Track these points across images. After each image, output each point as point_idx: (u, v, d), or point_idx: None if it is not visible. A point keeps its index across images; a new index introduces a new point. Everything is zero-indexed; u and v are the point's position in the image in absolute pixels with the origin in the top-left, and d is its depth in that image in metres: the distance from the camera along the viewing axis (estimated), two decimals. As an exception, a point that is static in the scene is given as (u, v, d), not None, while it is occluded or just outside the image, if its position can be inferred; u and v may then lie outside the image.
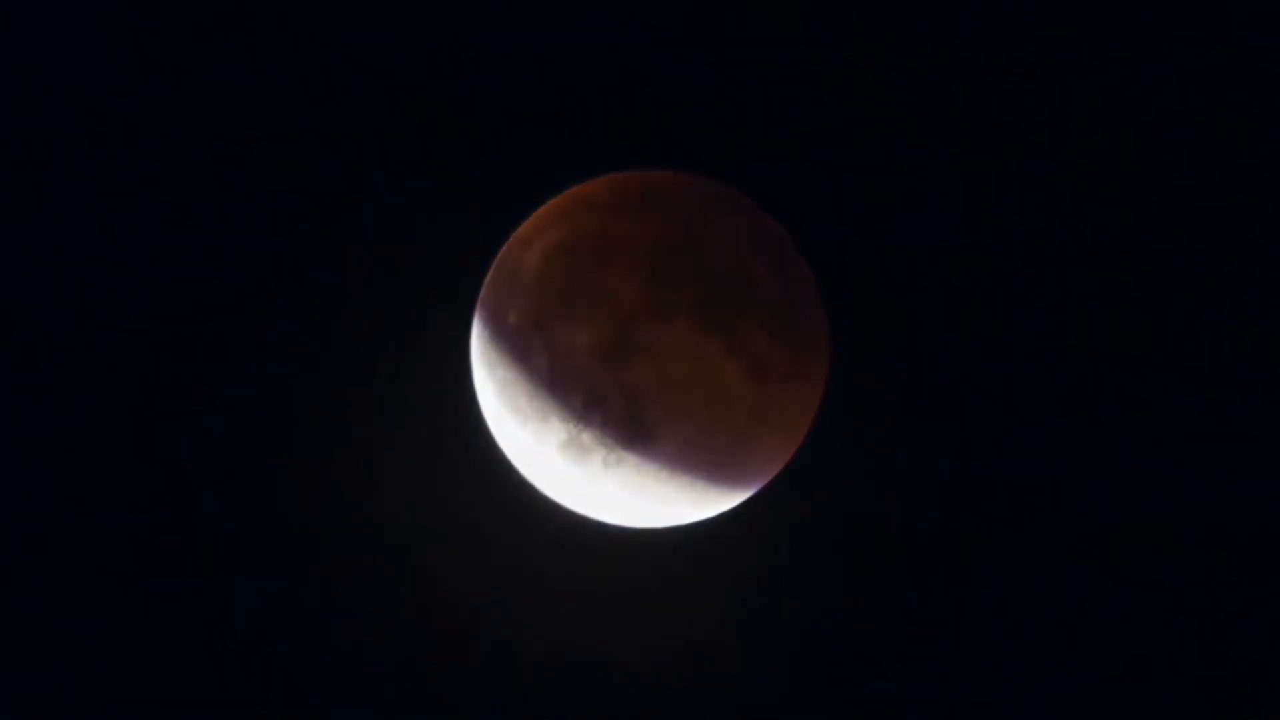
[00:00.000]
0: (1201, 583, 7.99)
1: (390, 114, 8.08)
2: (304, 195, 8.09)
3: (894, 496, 8.05)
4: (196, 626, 8.11)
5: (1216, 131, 7.95)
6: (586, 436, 6.58)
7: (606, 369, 6.44)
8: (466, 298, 7.19)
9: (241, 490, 8.10)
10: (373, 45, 8.08)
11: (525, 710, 8.11)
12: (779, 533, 7.97)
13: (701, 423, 6.52)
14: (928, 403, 8.04)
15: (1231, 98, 7.94)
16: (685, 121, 8.01)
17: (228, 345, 8.09)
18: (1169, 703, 8.00)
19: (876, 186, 8.04)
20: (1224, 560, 7.98)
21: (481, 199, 7.94)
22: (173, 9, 8.06)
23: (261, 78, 8.09)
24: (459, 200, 8.02)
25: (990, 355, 8.05)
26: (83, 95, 8.09)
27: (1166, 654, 8.01)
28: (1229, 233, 7.97)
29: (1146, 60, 7.96)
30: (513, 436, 6.91)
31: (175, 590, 8.11)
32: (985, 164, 8.04)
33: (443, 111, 8.07)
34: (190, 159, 8.09)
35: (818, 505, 7.98)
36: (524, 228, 7.09)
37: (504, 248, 7.12)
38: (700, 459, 6.65)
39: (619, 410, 6.47)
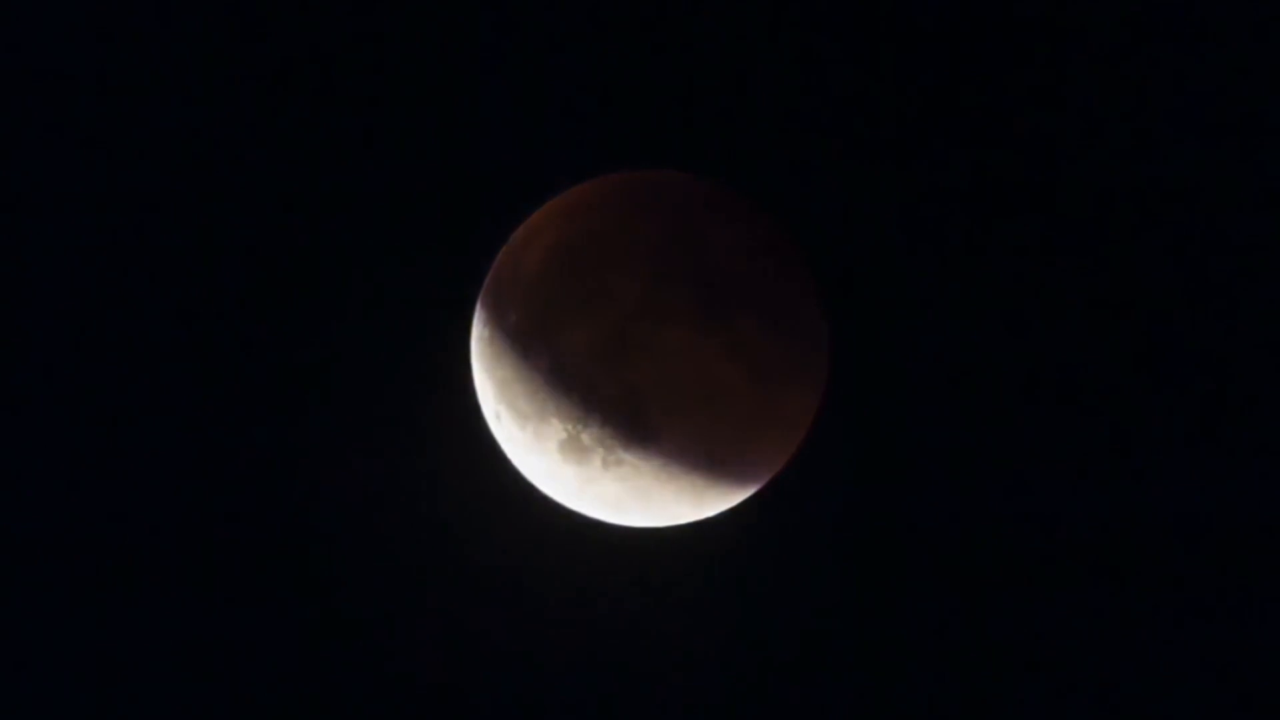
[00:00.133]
0: (1202, 585, 7.99)
1: (390, 114, 8.08)
2: (304, 195, 8.10)
3: (893, 496, 8.05)
4: (196, 626, 8.11)
5: (1216, 132, 7.95)
6: (586, 436, 6.57)
7: (606, 369, 6.44)
8: (466, 298, 7.19)
9: (241, 490, 8.10)
10: (373, 45, 8.08)
11: (525, 710, 8.11)
12: (779, 533, 7.97)
13: (701, 423, 6.52)
14: (927, 403, 8.04)
15: (1230, 99, 7.95)
16: (685, 121, 8.01)
17: (227, 346, 8.09)
18: (1170, 703, 8.00)
19: (876, 186, 8.04)
20: (1225, 563, 7.98)
21: (481, 199, 7.94)
22: (175, 8, 8.06)
23: (262, 78, 8.09)
24: (459, 200, 8.02)
25: (990, 355, 8.05)
26: (82, 93, 8.09)
27: (1166, 655, 8.01)
28: (1230, 233, 7.97)
29: (1146, 60, 7.96)
30: (513, 436, 6.91)
31: (175, 591, 8.11)
32: (986, 164, 8.04)
33: (443, 111, 8.08)
34: (190, 159, 8.09)
35: (817, 505, 7.98)
36: (524, 228, 7.09)
37: (504, 248, 7.12)
38: (700, 459, 6.64)
39: (619, 410, 6.47)
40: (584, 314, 6.48)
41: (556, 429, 6.63)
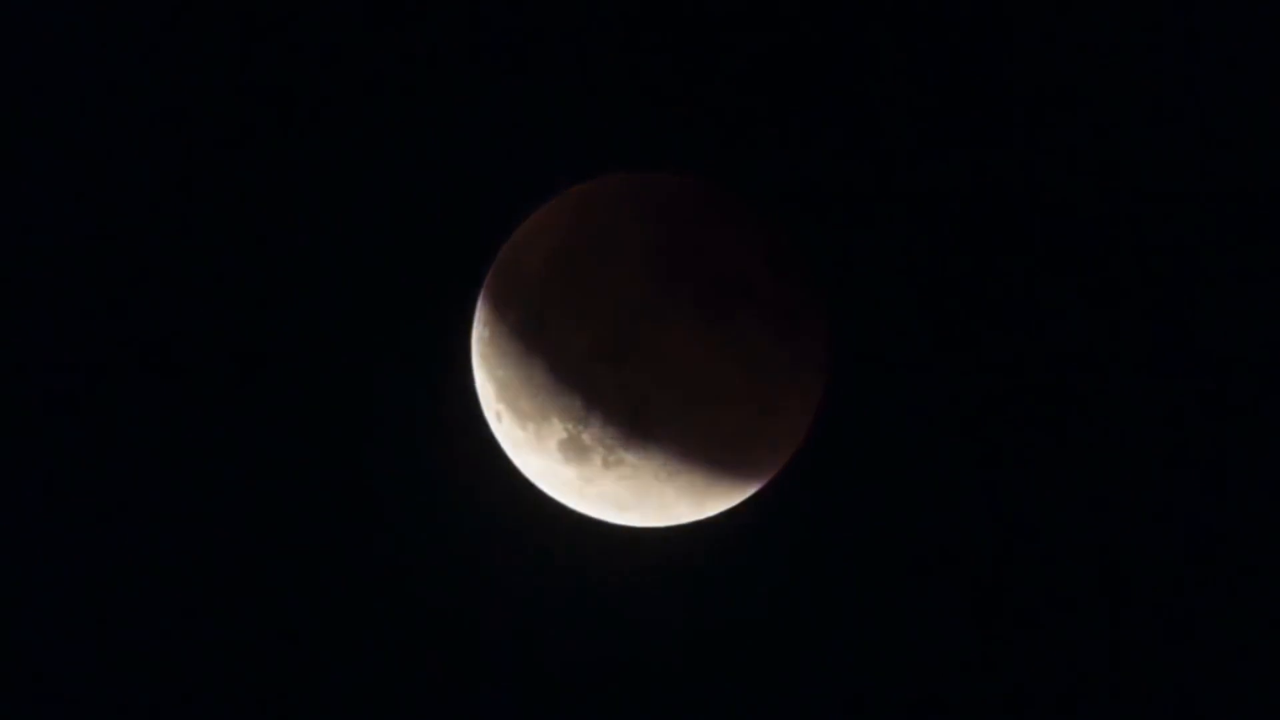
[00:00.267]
0: (1203, 586, 8.00)
1: (391, 114, 8.09)
2: (304, 195, 8.10)
3: (893, 496, 8.06)
4: (195, 627, 8.12)
5: (1218, 133, 7.96)
6: (586, 436, 6.58)
7: (606, 369, 6.44)
8: (467, 298, 7.20)
9: (241, 490, 8.11)
10: (374, 45, 8.08)
11: (525, 709, 8.11)
12: (778, 533, 7.97)
13: (701, 423, 6.52)
14: (927, 403, 8.04)
15: (1231, 98, 7.95)
16: (685, 121, 8.01)
17: (227, 346, 8.09)
18: (1170, 703, 8.01)
19: (876, 187, 8.04)
20: (1226, 565, 7.99)
21: (481, 199, 7.95)
22: (179, 6, 8.07)
23: (262, 78, 8.09)
24: (459, 200, 8.03)
25: (990, 355, 8.05)
26: (78, 90, 8.09)
27: (1166, 654, 8.01)
28: (1232, 232, 7.98)
29: (1147, 60, 7.97)
30: (513, 436, 6.91)
31: (174, 591, 8.12)
32: (986, 164, 8.04)
33: (443, 111, 8.08)
34: (191, 159, 8.10)
35: (817, 505, 7.99)
36: (524, 228, 7.10)
37: (504, 248, 7.12)
38: (700, 459, 6.65)
39: (619, 410, 6.48)
40: (584, 314, 6.48)
41: (557, 429, 6.64)
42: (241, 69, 8.08)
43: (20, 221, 8.10)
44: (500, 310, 6.87)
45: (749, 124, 8.03)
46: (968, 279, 8.04)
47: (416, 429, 7.98)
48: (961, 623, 8.09)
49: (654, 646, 8.09)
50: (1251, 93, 7.92)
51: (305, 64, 8.08)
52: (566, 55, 8.07)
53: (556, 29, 8.06)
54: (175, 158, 8.09)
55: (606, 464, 6.63)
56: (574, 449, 6.64)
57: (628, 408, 6.46)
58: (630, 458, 6.59)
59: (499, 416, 6.96)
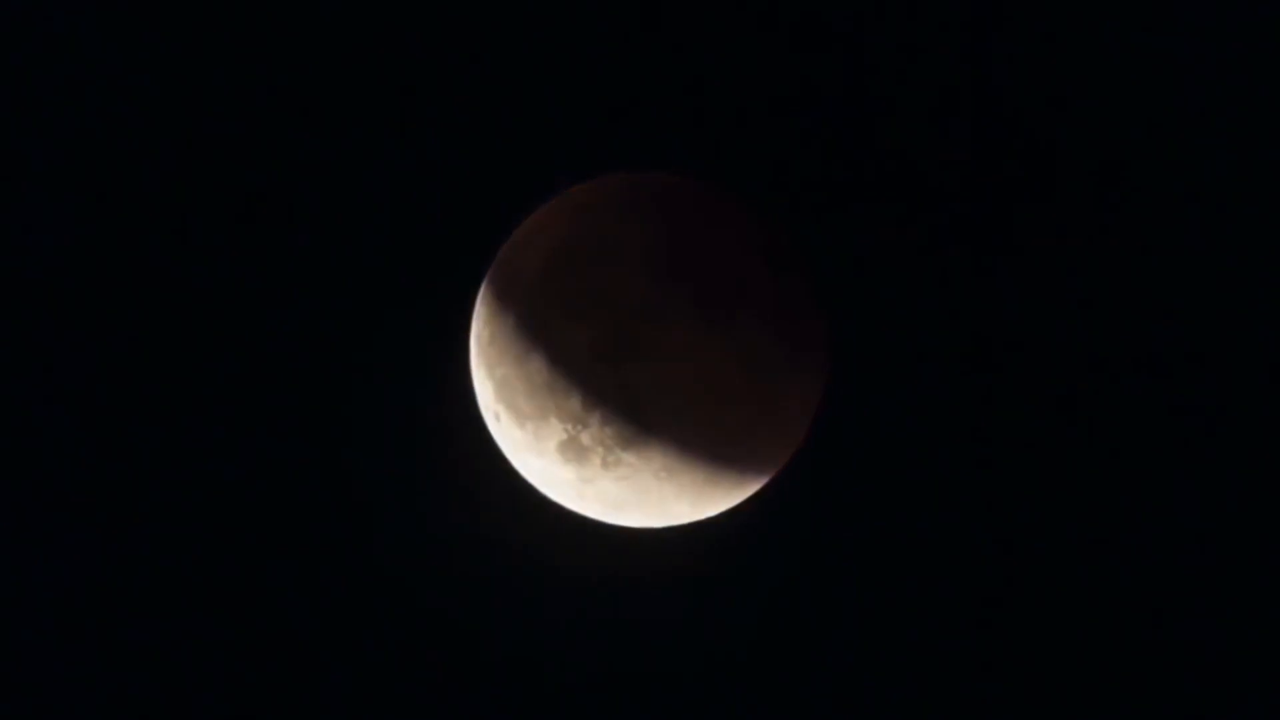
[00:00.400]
0: (1202, 590, 8.00)
1: (391, 114, 8.09)
2: (304, 195, 8.10)
3: (892, 496, 8.05)
4: (193, 626, 8.12)
5: (1219, 133, 7.95)
6: (586, 436, 6.58)
7: (606, 369, 6.44)
8: (466, 298, 7.20)
9: (241, 490, 8.11)
10: (374, 46, 8.08)
11: (524, 710, 8.11)
12: (778, 533, 7.97)
13: (701, 423, 6.52)
14: (927, 402, 8.04)
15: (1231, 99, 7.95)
16: (685, 121, 8.01)
17: (227, 347, 8.09)
18: (1170, 704, 8.00)
19: (875, 186, 8.04)
20: (1227, 567, 7.98)
21: (481, 199, 7.95)
22: (179, 6, 8.07)
23: (262, 78, 8.09)
24: (459, 200, 8.03)
25: (990, 354, 8.04)
26: (78, 89, 8.09)
27: (1166, 654, 8.01)
28: (1232, 232, 7.97)
29: (1147, 59, 7.96)
30: (512, 436, 6.91)
31: (173, 591, 8.12)
32: (986, 163, 8.04)
33: (444, 111, 8.08)
34: (191, 159, 8.10)
35: (817, 505, 7.98)
36: (523, 228, 7.09)
37: (504, 248, 7.12)
38: (700, 459, 6.64)
39: (619, 410, 6.47)
40: (584, 314, 6.48)
41: (556, 429, 6.63)
42: (242, 69, 8.09)
43: (21, 222, 8.11)
44: (499, 310, 6.86)
45: (749, 124, 8.03)
46: (967, 278, 8.04)
47: (415, 429, 7.99)
48: (961, 623, 8.08)
49: (653, 647, 8.09)
50: (1252, 92, 7.92)
51: (305, 64, 8.09)
52: (566, 55, 8.07)
53: (556, 29, 8.06)
54: (176, 158, 8.09)
55: (605, 464, 6.63)
56: (573, 449, 6.64)
57: (627, 408, 6.45)
58: (629, 458, 6.58)
59: (497, 417, 6.95)
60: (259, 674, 8.14)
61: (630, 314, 6.40)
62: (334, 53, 8.08)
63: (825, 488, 7.93)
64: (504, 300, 6.85)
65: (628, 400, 6.44)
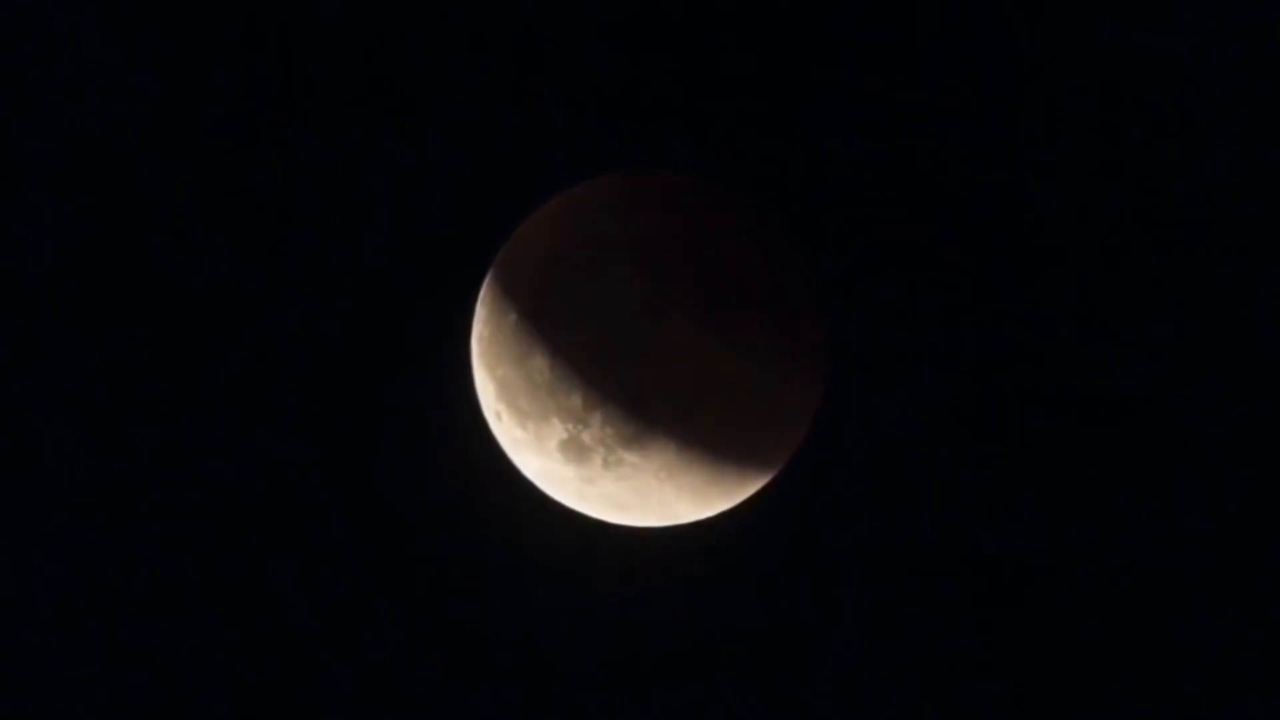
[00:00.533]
0: (1202, 590, 8.00)
1: (391, 114, 8.08)
2: (304, 195, 8.10)
3: (892, 496, 8.05)
4: (194, 625, 8.11)
5: (1221, 134, 7.96)
6: (587, 436, 6.58)
7: (606, 369, 6.44)
8: (467, 298, 7.20)
9: (241, 490, 8.10)
10: (374, 46, 8.08)
11: (525, 709, 8.11)
12: (778, 532, 7.97)
13: (701, 422, 6.52)
14: (927, 403, 8.04)
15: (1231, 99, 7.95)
16: (684, 121, 8.01)
17: (228, 347, 8.09)
18: (1171, 704, 8.00)
19: (875, 186, 8.04)
20: (1228, 568, 7.99)
21: (481, 199, 7.95)
22: (180, 6, 8.07)
23: (262, 78, 8.09)
24: (459, 201, 8.03)
25: (990, 355, 8.05)
26: (79, 89, 8.09)
27: (1166, 653, 8.01)
28: (1232, 232, 7.98)
29: (1148, 59, 7.97)
30: (513, 436, 6.91)
31: (173, 591, 8.11)
32: (984, 162, 8.04)
33: (444, 111, 8.08)
34: (191, 160, 8.09)
35: (818, 504, 7.98)
36: (524, 228, 7.10)
37: (504, 248, 7.12)
38: (700, 459, 6.65)
39: (619, 410, 6.48)
40: (584, 314, 6.48)
41: (557, 428, 6.64)
42: (242, 69, 8.08)
43: (21, 222, 8.10)
44: (500, 310, 6.87)
45: (748, 124, 8.03)
46: (967, 279, 8.04)
47: (417, 429, 7.99)
48: (961, 623, 8.08)
49: (654, 646, 8.09)
50: (1252, 92, 7.92)
51: (305, 64, 8.09)
52: (566, 56, 8.07)
53: (556, 29, 8.06)
54: (176, 158, 8.09)
55: (606, 464, 6.63)
56: (574, 449, 6.64)
57: (627, 407, 6.46)
58: (630, 458, 6.59)
59: (499, 416, 6.96)
60: (259, 674, 8.13)
61: (630, 314, 6.41)
62: (334, 53, 8.08)
63: (825, 488, 7.93)
64: (505, 300, 6.85)
65: (628, 400, 6.44)
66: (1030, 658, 8.05)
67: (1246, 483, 7.96)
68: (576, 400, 6.52)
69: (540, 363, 6.60)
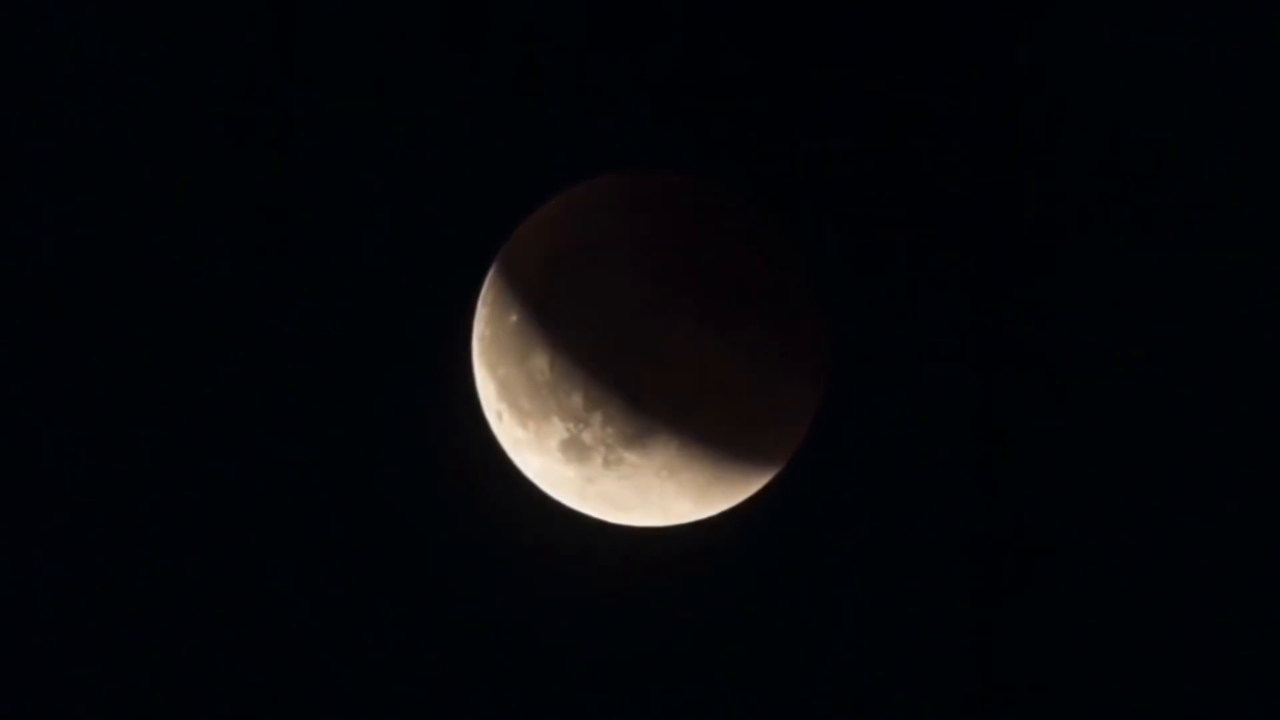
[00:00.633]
0: (1202, 590, 8.00)
1: (391, 115, 8.09)
2: (304, 195, 8.10)
3: (893, 496, 8.05)
4: (195, 625, 8.11)
5: (1221, 134, 7.96)
6: (587, 435, 6.58)
7: (606, 369, 6.44)
8: (467, 298, 7.20)
9: (241, 490, 8.10)
10: (374, 46, 8.08)
11: (526, 709, 8.11)
12: (779, 532, 7.97)
13: (702, 422, 6.53)
14: (927, 402, 8.04)
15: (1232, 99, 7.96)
16: (685, 121, 8.01)
17: (228, 347, 8.09)
18: (1170, 704, 8.01)
19: (875, 187, 8.04)
20: (1226, 567, 7.99)
21: (481, 199, 7.95)
22: (180, 6, 8.07)
23: (263, 78, 8.09)
24: (459, 200, 8.03)
25: (990, 356, 8.05)
26: (79, 89, 8.09)
27: (1167, 655, 8.01)
28: (1232, 232, 7.98)
29: (1148, 59, 7.97)
30: (514, 436, 6.91)
31: (173, 591, 8.11)
32: (984, 162, 8.04)
33: (444, 111, 8.08)
34: (191, 160, 8.09)
35: (818, 505, 7.99)
36: (524, 227, 7.10)
37: (504, 247, 7.12)
38: (700, 458, 6.65)
39: (619, 410, 6.48)
40: (584, 314, 6.48)
41: (558, 428, 6.64)
42: (242, 69, 8.08)
43: (21, 222, 8.10)
44: (501, 310, 6.87)
45: (748, 124, 8.04)
46: (967, 279, 8.04)
47: (417, 428, 7.99)
48: (961, 623, 8.08)
49: (654, 646, 8.09)
50: (1252, 92, 7.93)
51: (306, 64, 8.09)
52: (566, 55, 8.07)
53: (557, 29, 8.07)
54: (176, 158, 8.09)
55: (607, 463, 6.63)
56: (574, 448, 6.64)
57: (628, 407, 6.46)
58: (631, 457, 6.59)
59: (500, 416, 6.96)
60: (259, 674, 8.13)
61: (630, 314, 6.41)
62: (334, 53, 8.08)
63: (825, 488, 7.93)
64: (506, 299, 6.86)
65: (629, 399, 6.45)
66: (1030, 657, 8.05)
67: (1247, 482, 7.96)
68: (577, 400, 6.52)
69: (541, 362, 6.60)
